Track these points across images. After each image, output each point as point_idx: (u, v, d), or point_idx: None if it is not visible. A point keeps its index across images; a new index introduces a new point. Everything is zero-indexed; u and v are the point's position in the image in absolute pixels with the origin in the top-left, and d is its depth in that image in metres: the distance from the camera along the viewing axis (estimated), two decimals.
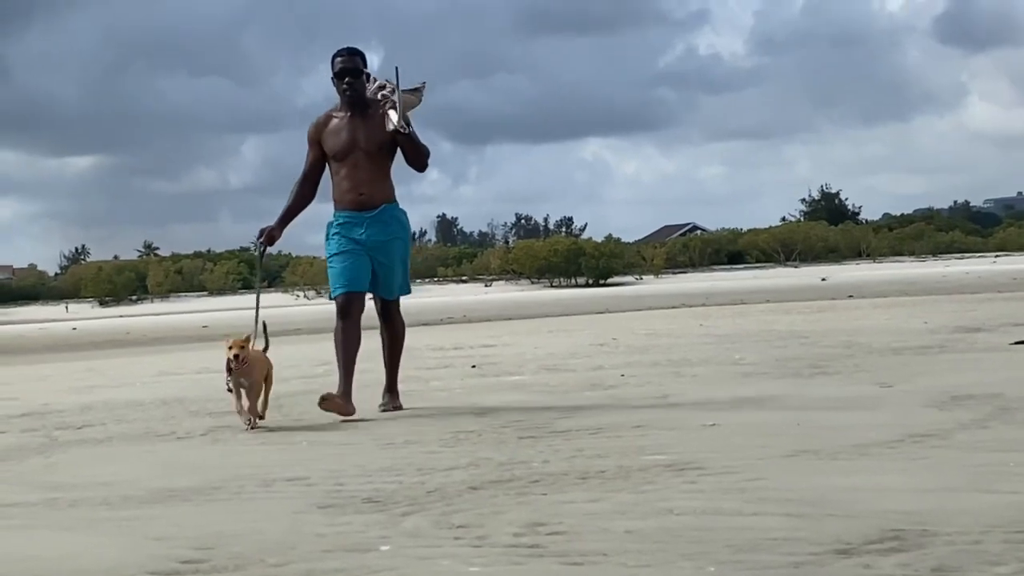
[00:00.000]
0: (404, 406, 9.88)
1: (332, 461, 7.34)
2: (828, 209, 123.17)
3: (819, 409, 8.80)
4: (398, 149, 9.77)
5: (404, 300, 9.98)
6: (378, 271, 9.78)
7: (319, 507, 5.82)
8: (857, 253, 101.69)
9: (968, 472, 6.04)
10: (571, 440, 7.74)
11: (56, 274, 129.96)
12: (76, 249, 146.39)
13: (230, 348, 8.95)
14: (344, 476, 6.72)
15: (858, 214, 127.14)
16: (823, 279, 68.72)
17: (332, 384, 11.30)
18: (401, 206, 9.93)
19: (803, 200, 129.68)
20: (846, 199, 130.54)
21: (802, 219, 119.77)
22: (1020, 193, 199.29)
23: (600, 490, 5.91)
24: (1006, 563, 4.21)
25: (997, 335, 15.38)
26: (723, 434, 7.73)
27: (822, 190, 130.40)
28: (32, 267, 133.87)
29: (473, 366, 14.39)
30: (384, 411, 9.81)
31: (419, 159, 9.79)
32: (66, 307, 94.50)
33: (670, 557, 4.45)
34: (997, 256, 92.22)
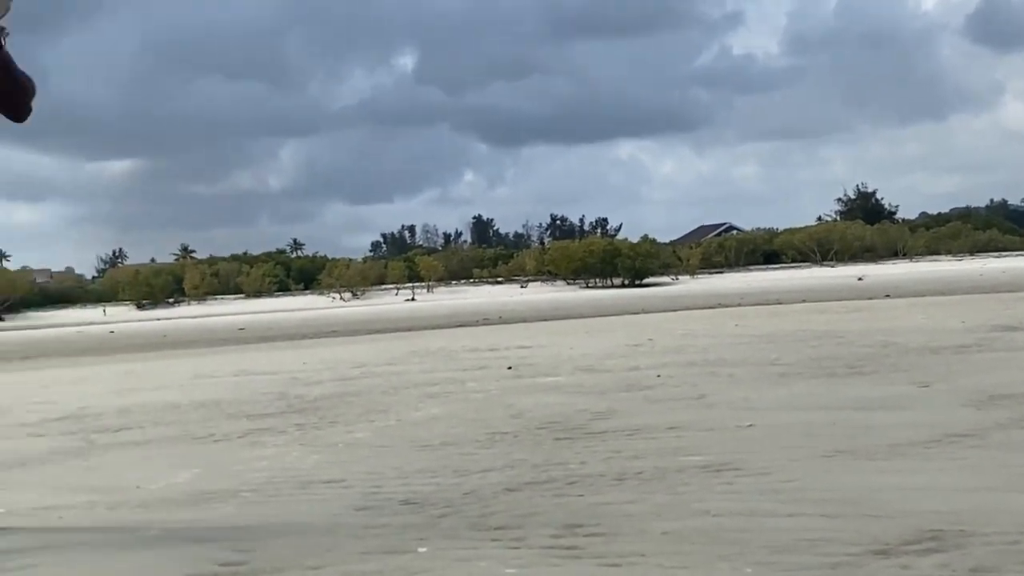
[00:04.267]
0: (440, 409, 9.79)
1: (369, 463, 7.35)
2: (864, 208, 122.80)
3: (855, 409, 8.77)
4: None
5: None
6: None
7: (356, 509, 5.83)
8: (894, 252, 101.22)
9: (1006, 472, 6.01)
10: (607, 441, 7.74)
11: (93, 277, 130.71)
12: (113, 252, 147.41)
13: None
14: (381, 478, 6.74)
15: (895, 213, 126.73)
16: (859, 278, 68.48)
17: (369, 388, 11.35)
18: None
19: (839, 199, 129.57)
20: (882, 198, 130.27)
21: (838, 218, 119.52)
22: None
23: (637, 491, 5.91)
24: None
25: None
26: (759, 435, 7.72)
27: (858, 189, 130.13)
28: (69, 270, 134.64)
29: (509, 367, 14.38)
30: None
31: (15, 95, 5.54)
32: (104, 310, 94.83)
33: (707, 558, 4.45)
34: None
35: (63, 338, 49.20)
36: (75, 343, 43.19)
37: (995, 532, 4.63)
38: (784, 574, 4.19)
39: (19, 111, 5.63)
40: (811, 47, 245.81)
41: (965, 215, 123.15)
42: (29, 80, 5.57)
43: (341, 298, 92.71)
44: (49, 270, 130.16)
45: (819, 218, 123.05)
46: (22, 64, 5.33)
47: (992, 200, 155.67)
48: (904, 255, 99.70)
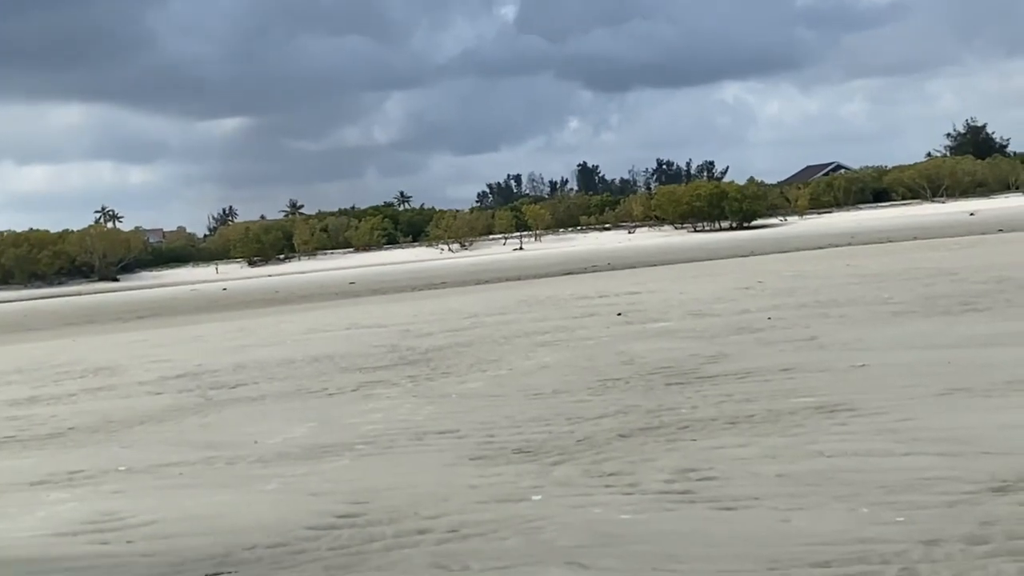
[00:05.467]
0: (551, 357, 9.80)
1: (482, 413, 7.40)
2: (974, 143, 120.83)
3: (970, 346, 8.66)
4: None
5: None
6: None
7: (470, 459, 5.87)
8: (1006, 186, 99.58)
9: None
10: (719, 385, 7.73)
11: (205, 235, 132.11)
12: (224, 210, 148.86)
13: None
14: (494, 428, 6.78)
15: (1006, 147, 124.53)
16: (971, 214, 67.50)
17: (480, 338, 11.39)
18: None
19: (948, 135, 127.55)
20: (993, 132, 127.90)
21: (948, 154, 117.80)
22: None
23: (749, 434, 5.90)
24: None
25: None
26: (873, 374, 7.66)
27: (967, 124, 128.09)
28: (181, 229, 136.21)
29: (619, 314, 14.37)
30: None
31: None
32: (216, 268, 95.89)
33: (822, 500, 4.44)
34: None
35: (177, 297, 49.82)
36: (189, 301, 43.72)
37: None
38: (901, 513, 4.16)
39: None
40: None
41: None
42: None
43: (449, 249, 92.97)
44: (161, 230, 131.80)
45: (928, 154, 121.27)
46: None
47: None
48: (1017, 189, 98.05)
